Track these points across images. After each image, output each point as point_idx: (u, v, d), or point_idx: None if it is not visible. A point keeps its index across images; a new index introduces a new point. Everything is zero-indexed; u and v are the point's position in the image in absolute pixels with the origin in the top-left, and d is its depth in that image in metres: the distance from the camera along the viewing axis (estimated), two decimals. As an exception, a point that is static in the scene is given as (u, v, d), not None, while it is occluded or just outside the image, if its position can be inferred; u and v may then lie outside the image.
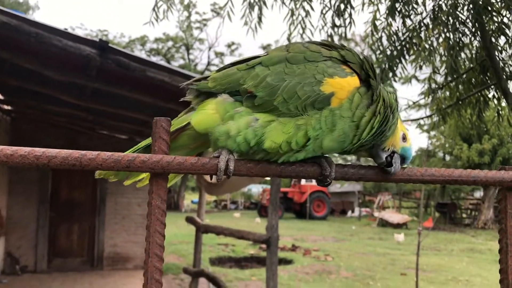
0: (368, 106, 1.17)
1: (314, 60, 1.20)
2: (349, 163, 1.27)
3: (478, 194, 32.10)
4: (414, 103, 6.04)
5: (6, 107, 9.08)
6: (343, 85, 1.16)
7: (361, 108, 1.16)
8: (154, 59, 34.36)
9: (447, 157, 30.23)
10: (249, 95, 1.18)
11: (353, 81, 1.17)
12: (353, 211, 32.79)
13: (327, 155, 1.21)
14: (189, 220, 7.85)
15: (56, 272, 10.20)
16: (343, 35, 5.08)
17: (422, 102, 6.95)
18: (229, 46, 36.83)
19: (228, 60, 37.61)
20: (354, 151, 1.24)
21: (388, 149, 1.24)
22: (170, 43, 36.23)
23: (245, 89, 1.19)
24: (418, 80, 6.28)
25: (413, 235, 18.22)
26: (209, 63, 37.24)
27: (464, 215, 29.92)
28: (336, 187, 32.39)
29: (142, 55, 34.58)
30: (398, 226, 24.12)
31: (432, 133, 28.25)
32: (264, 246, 7.36)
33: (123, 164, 0.98)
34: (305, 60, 1.20)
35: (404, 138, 1.27)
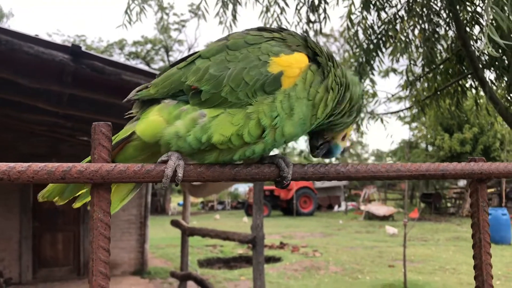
0: (321, 82, 1.11)
1: (255, 42, 1.13)
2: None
3: (462, 183, 32.51)
4: (392, 95, 6.06)
5: (-18, 117, 8.89)
6: (291, 62, 1.09)
7: (314, 85, 1.09)
8: (133, 62, 34.14)
9: (430, 148, 30.54)
10: (194, 92, 1.10)
11: (301, 58, 1.11)
12: (339, 206, 32.94)
13: (284, 156, 1.14)
14: (174, 223, 7.78)
15: (42, 283, 10.03)
16: (319, 30, 5.07)
17: (402, 94, 6.97)
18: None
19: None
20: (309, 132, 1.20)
21: (326, 138, 1.22)
22: (149, 46, 35.98)
23: (189, 86, 1.11)
24: (396, 72, 6.29)
25: (399, 226, 18.36)
26: (189, 64, 36.91)
27: (448, 204, 30.27)
28: (322, 182, 32.50)
29: (121, 59, 34.29)
30: (384, 218, 24.30)
31: (414, 124, 28.56)
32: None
33: (57, 175, 0.89)
34: (246, 44, 1.13)
35: (343, 138, 1.26)
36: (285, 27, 1.27)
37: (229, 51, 1.12)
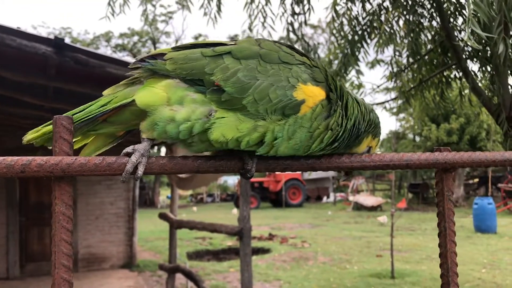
0: (325, 119, 1.13)
1: (288, 62, 1.13)
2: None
3: (449, 172, 32.73)
4: (378, 86, 6.10)
5: (-35, 111, 8.78)
6: (315, 93, 1.11)
7: (318, 120, 1.12)
8: (120, 54, 33.86)
9: (417, 138, 30.77)
10: (215, 89, 1.07)
11: (320, 92, 1.13)
12: (328, 197, 33.11)
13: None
14: (162, 216, 7.78)
15: (29, 277, 9.99)
16: (303, 22, 5.07)
17: (389, 85, 7.01)
18: (196, 38, 36.47)
19: (196, 52, 37.09)
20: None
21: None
22: (135, 38, 35.67)
23: (212, 81, 1.07)
24: (380, 63, 6.32)
25: (387, 216, 18.52)
26: (176, 56, 36.70)
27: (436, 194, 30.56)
28: (311, 173, 32.66)
29: (108, 51, 33.99)
30: (372, 208, 24.49)
31: (402, 115, 28.74)
32: (239, 237, 7.37)
33: (17, 169, 0.88)
34: (279, 60, 1.12)
35: (369, 151, 1.29)
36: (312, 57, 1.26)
37: (261, 61, 1.11)
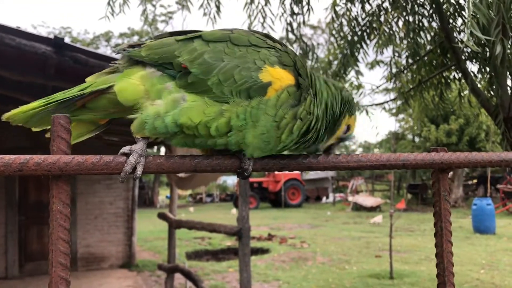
0: (293, 107, 1.10)
1: (257, 44, 1.12)
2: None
3: (449, 174, 32.78)
4: (377, 87, 6.10)
5: (-35, 110, 8.78)
6: (282, 76, 1.09)
7: (284, 108, 1.08)
8: (119, 55, 33.76)
9: (417, 139, 30.78)
10: (183, 72, 1.08)
11: (288, 76, 1.11)
12: (327, 197, 33.12)
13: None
14: (161, 216, 7.78)
15: (28, 277, 9.98)
16: (302, 22, 5.07)
17: (389, 86, 7.02)
18: (196, 38, 36.43)
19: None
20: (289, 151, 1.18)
21: (328, 144, 1.23)
22: (135, 38, 35.64)
23: (180, 62, 1.09)
24: (380, 64, 6.32)
25: (386, 217, 18.52)
26: (176, 56, 36.75)
27: (435, 195, 30.53)
28: (310, 174, 32.67)
29: (108, 51, 33.95)
30: (372, 209, 24.50)
31: (401, 116, 28.74)
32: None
33: (14, 167, 0.89)
34: (248, 43, 1.12)
35: (348, 130, 1.25)
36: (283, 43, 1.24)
37: (230, 44, 1.11)
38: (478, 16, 3.24)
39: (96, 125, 1.27)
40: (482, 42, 4.51)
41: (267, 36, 1.19)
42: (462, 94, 5.75)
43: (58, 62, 4.75)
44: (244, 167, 1.11)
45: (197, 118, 1.04)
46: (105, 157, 0.98)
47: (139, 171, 1.02)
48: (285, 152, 1.17)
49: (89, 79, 1.22)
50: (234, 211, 24.81)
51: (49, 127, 1.03)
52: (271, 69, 1.08)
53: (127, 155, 1.04)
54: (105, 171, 0.97)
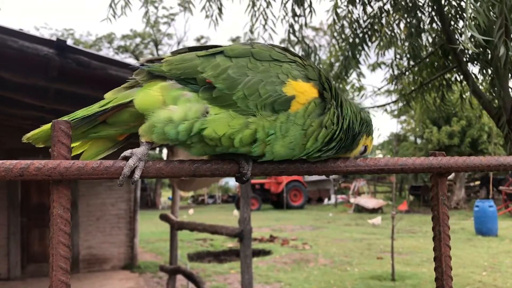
0: (319, 117, 1.13)
1: (279, 59, 1.15)
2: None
3: (451, 175, 32.77)
4: (379, 89, 6.10)
5: (-33, 112, 8.80)
6: (305, 89, 1.11)
7: (312, 117, 1.11)
8: (122, 56, 33.88)
9: (419, 141, 30.75)
10: (207, 86, 1.10)
11: (311, 89, 1.13)
12: (329, 199, 33.08)
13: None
14: (163, 217, 7.79)
15: (30, 278, 10.00)
16: (304, 24, 5.08)
17: (391, 88, 7.02)
18: (198, 40, 36.52)
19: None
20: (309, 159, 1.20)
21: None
22: (138, 40, 35.73)
23: (204, 78, 1.10)
24: (381, 66, 6.32)
25: (388, 219, 18.50)
26: (178, 58, 36.80)
27: (437, 197, 30.45)
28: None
29: (110, 53, 34.05)
30: (373, 211, 24.46)
31: (403, 117, 28.72)
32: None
33: (15, 172, 0.90)
34: (270, 58, 1.14)
35: (365, 151, 1.28)
36: (304, 56, 1.28)
37: (252, 59, 1.13)
38: (477, 18, 3.25)
39: (114, 142, 1.29)
40: (484, 44, 4.51)
41: (286, 50, 1.21)
42: (463, 96, 5.75)
43: (60, 64, 4.76)
44: (242, 172, 1.12)
45: (221, 130, 1.06)
46: (105, 161, 0.98)
47: (136, 175, 1.03)
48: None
49: (108, 95, 1.24)
50: (236, 212, 24.78)
51: (73, 144, 1.08)
52: (294, 83, 1.11)
53: (127, 159, 1.04)
54: (105, 176, 0.98)
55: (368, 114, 1.29)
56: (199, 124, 1.06)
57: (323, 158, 1.19)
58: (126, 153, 1.05)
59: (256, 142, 1.08)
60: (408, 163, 1.12)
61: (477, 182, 30.18)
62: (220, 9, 4.75)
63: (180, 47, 1.25)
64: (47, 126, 1.14)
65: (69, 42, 4.67)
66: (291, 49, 5.12)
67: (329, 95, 1.16)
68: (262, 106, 1.07)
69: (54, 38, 4.70)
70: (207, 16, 4.82)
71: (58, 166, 0.92)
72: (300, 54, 1.27)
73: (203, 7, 4.71)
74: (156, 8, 33.26)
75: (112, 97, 1.21)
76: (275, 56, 1.15)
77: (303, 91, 1.10)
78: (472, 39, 4.89)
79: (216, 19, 4.77)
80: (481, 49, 4.70)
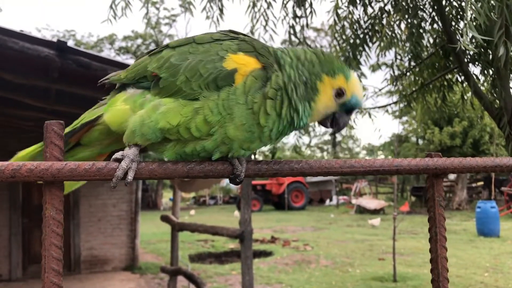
0: (261, 89, 1.09)
1: (219, 38, 1.15)
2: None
3: (452, 176, 32.76)
4: (380, 90, 6.10)
5: (-31, 113, 8.82)
6: (247, 61, 1.09)
7: (252, 92, 1.07)
8: (123, 57, 33.91)
9: (420, 141, 30.71)
10: (155, 80, 1.12)
11: (252, 60, 1.10)
12: (331, 200, 33.06)
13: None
14: (164, 218, 7.79)
15: (32, 279, 10.02)
16: (305, 25, 5.08)
17: (391, 88, 7.02)
18: (199, 41, 36.50)
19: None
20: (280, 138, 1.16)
21: (325, 116, 1.17)
22: (139, 41, 35.75)
23: (150, 72, 1.13)
24: (381, 66, 6.32)
25: (390, 220, 18.47)
26: (180, 59, 36.91)
27: (439, 198, 30.42)
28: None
29: (111, 54, 34.08)
30: (375, 212, 24.44)
31: (405, 118, 28.69)
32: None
33: (7, 174, 0.89)
34: (211, 39, 1.14)
35: (340, 94, 1.15)
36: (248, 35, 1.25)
37: (193, 44, 1.14)
38: (477, 19, 3.24)
39: None
40: (485, 44, 4.50)
41: (231, 31, 1.21)
42: (465, 96, 5.74)
43: (61, 65, 4.77)
44: (236, 173, 1.10)
45: (174, 119, 1.06)
46: (97, 163, 0.98)
47: (130, 176, 1.02)
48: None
49: (81, 117, 1.26)
50: (237, 213, 24.78)
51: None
52: (234, 56, 1.09)
53: (119, 161, 1.04)
54: (97, 178, 0.97)
55: (328, 54, 1.19)
56: (154, 119, 1.06)
57: (300, 126, 1.14)
58: (117, 155, 1.05)
59: (213, 128, 1.06)
60: (403, 164, 1.10)
61: (480, 183, 30.13)
62: (221, 10, 4.75)
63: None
64: (26, 150, 1.18)
65: (71, 43, 4.67)
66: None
67: (269, 60, 1.12)
68: (206, 85, 1.07)
69: (55, 39, 4.70)
70: (207, 17, 4.82)
71: (51, 168, 0.92)
72: (245, 33, 1.23)
73: (204, 8, 4.71)
74: (158, 9, 33.31)
75: (82, 117, 1.24)
76: (217, 37, 1.15)
77: (244, 63, 1.09)
78: (473, 40, 4.88)
79: (217, 20, 4.78)
80: (481, 50, 4.69)
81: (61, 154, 0.95)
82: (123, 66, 4.92)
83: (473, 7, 2.97)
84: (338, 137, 43.22)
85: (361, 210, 25.40)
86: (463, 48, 4.88)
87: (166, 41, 36.28)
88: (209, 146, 1.08)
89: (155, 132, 1.07)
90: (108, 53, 34.50)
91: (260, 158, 32.09)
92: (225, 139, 1.07)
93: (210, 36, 1.15)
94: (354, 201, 28.14)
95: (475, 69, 5.13)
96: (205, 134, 1.07)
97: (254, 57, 1.12)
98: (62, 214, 0.92)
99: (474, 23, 3.53)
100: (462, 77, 5.38)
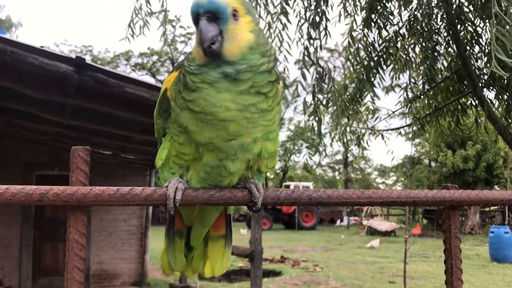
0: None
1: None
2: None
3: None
4: (393, 112, 6.10)
5: (-14, 126, 8.96)
6: (169, 77, 1.23)
7: (174, 95, 1.19)
8: (139, 73, 34.30)
9: (433, 164, 30.44)
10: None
11: (175, 73, 1.22)
12: (342, 220, 32.79)
13: (258, 182, 1.16)
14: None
15: (41, 291, 10.03)
16: (319, 46, 5.11)
17: (405, 110, 7.02)
18: (214, 59, 36.85)
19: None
20: None
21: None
22: (155, 57, 36.19)
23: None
24: (395, 89, 6.33)
25: (401, 242, 18.24)
26: (194, 76, 37.26)
27: (451, 221, 30.01)
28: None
29: (127, 70, 34.50)
30: (386, 233, 24.17)
31: (417, 140, 28.52)
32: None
33: (35, 198, 0.92)
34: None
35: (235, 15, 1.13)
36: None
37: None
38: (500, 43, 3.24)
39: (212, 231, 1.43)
40: (500, 68, 4.49)
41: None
42: (478, 121, 5.71)
43: (78, 81, 4.84)
44: (254, 200, 1.12)
45: (162, 154, 1.25)
46: (121, 189, 1.00)
47: (178, 196, 1.06)
48: None
49: None
50: (244, 231, 24.65)
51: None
52: (165, 80, 1.29)
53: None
54: (121, 203, 1.00)
55: None
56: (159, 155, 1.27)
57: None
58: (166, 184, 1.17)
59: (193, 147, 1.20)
60: (420, 196, 1.12)
61: (493, 207, 29.70)
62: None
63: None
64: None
65: (88, 58, 4.75)
66: (305, 71, 5.13)
67: (182, 63, 1.23)
68: (162, 116, 1.25)
69: (73, 55, 4.79)
70: (223, 37, 4.87)
71: (76, 193, 0.94)
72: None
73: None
74: (174, 27, 33.77)
75: None
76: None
77: (168, 79, 1.24)
78: (488, 64, 4.88)
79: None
80: (497, 75, 4.68)
81: (87, 179, 0.97)
82: (139, 83, 4.98)
83: (495, 28, 2.97)
84: (350, 157, 43.01)
85: (372, 232, 25.13)
86: (481, 72, 4.90)
87: (181, 58, 36.67)
88: (209, 159, 1.15)
89: (160, 170, 1.22)
90: (123, 69, 34.95)
91: (271, 176, 31.92)
92: (199, 145, 1.14)
93: None
94: (365, 222, 27.87)
95: (489, 94, 5.12)
96: (195, 151, 1.15)
97: (176, 70, 1.23)
98: (85, 238, 0.94)
99: (491, 47, 3.54)
100: (476, 102, 5.36)
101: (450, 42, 4.97)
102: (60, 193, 0.93)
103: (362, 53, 5.39)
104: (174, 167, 1.18)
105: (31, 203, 0.94)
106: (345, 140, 5.82)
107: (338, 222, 32.91)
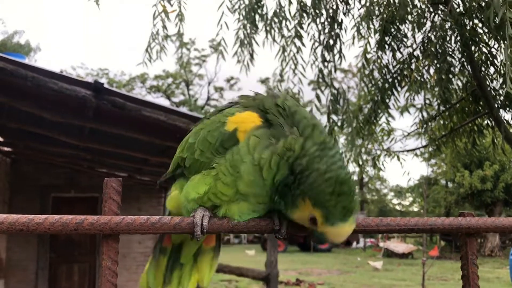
0: (267, 147, 1.09)
1: (223, 108, 1.26)
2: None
3: (483, 221, 31.73)
4: (408, 133, 6.07)
5: (6, 149, 9.12)
6: (244, 117, 1.15)
7: (259, 150, 1.09)
8: (154, 95, 34.69)
9: (450, 184, 30.08)
10: (184, 164, 1.26)
11: (251, 116, 1.15)
12: (358, 242, 32.42)
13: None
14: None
15: (56, 314, 10.03)
16: (333, 69, 5.15)
17: (421, 131, 6.99)
18: (228, 80, 37.28)
19: (227, 94, 38.05)
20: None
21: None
22: (170, 80, 36.69)
23: (178, 157, 1.30)
24: (412, 108, 6.31)
25: (419, 264, 17.94)
26: (209, 98, 37.63)
27: (470, 243, 29.49)
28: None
29: (143, 92, 34.95)
30: (403, 256, 23.80)
31: (433, 160, 28.24)
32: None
33: (71, 227, 0.97)
34: (217, 111, 1.27)
35: (313, 220, 1.05)
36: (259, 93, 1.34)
37: (204, 120, 1.28)
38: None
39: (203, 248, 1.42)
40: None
41: (243, 96, 1.30)
42: (495, 141, 5.65)
43: (96, 105, 4.94)
44: (275, 228, 1.13)
45: (201, 189, 1.15)
46: (151, 218, 1.05)
47: (204, 223, 1.10)
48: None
49: None
50: (252, 252, 24.45)
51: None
52: (232, 118, 1.17)
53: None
54: (151, 231, 1.04)
55: (342, 178, 1.04)
56: (188, 192, 1.19)
57: (278, 206, 1.11)
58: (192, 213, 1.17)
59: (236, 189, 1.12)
60: (437, 223, 1.13)
61: None
62: (251, 55, 4.88)
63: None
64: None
65: (104, 81, 4.85)
66: (319, 92, 5.17)
67: (278, 119, 1.13)
68: (216, 151, 1.15)
69: (90, 78, 4.90)
70: (238, 61, 4.95)
71: (109, 222, 0.99)
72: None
73: (235, 53, 4.85)
74: (189, 50, 34.26)
75: None
76: (221, 108, 1.27)
77: (242, 120, 1.15)
78: (504, 85, 4.85)
79: (248, 64, 4.90)
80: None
81: (119, 208, 1.02)
82: (155, 106, 5.06)
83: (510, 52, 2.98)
84: (365, 178, 42.65)
85: (389, 254, 24.80)
86: (497, 92, 4.88)
87: (196, 80, 37.09)
88: (244, 207, 1.13)
89: (190, 202, 1.17)
90: (139, 91, 35.43)
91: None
92: (238, 195, 1.12)
93: (216, 109, 1.29)
94: (381, 244, 27.53)
95: (506, 115, 5.09)
96: (233, 196, 1.12)
97: (255, 112, 1.17)
98: (117, 265, 0.97)
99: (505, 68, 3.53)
100: (493, 122, 5.33)
101: (465, 63, 4.97)
102: (95, 222, 0.98)
103: (376, 74, 5.41)
104: (207, 203, 1.14)
105: (68, 232, 0.99)
106: (360, 161, 5.80)
107: (354, 244, 32.53)
